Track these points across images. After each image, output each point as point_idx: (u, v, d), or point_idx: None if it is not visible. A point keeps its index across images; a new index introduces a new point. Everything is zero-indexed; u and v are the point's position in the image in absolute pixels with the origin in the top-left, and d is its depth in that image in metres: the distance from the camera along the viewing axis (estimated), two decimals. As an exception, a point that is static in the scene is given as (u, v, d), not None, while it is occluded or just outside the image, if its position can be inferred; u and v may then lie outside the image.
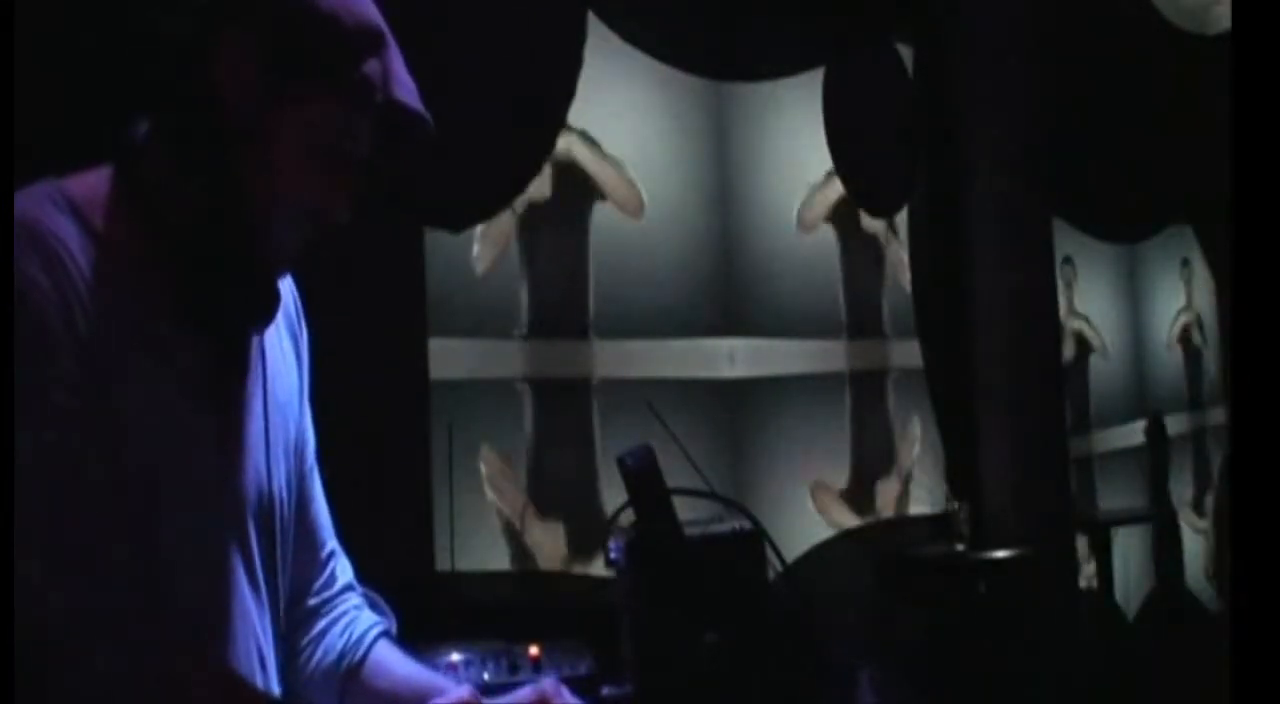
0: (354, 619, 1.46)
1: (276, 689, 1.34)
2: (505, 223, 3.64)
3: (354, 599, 1.49)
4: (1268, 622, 1.22)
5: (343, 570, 1.50)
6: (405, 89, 1.29)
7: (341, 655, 1.42)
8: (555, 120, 3.69)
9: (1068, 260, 5.97)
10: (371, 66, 1.26)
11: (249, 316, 1.31)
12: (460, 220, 3.49)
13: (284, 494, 1.37)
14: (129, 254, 1.22)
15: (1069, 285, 6.01)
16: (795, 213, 4.57)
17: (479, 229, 3.56)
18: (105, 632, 1.13)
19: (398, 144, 1.33)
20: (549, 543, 3.67)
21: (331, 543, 1.49)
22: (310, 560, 1.45)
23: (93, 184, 1.25)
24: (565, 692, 1.38)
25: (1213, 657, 2.10)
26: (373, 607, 1.50)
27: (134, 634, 1.15)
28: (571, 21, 3.71)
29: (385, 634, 1.47)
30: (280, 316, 1.35)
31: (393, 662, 1.44)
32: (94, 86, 2.19)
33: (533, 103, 3.59)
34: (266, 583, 1.32)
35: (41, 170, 1.25)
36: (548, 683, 1.38)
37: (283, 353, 1.40)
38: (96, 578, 1.14)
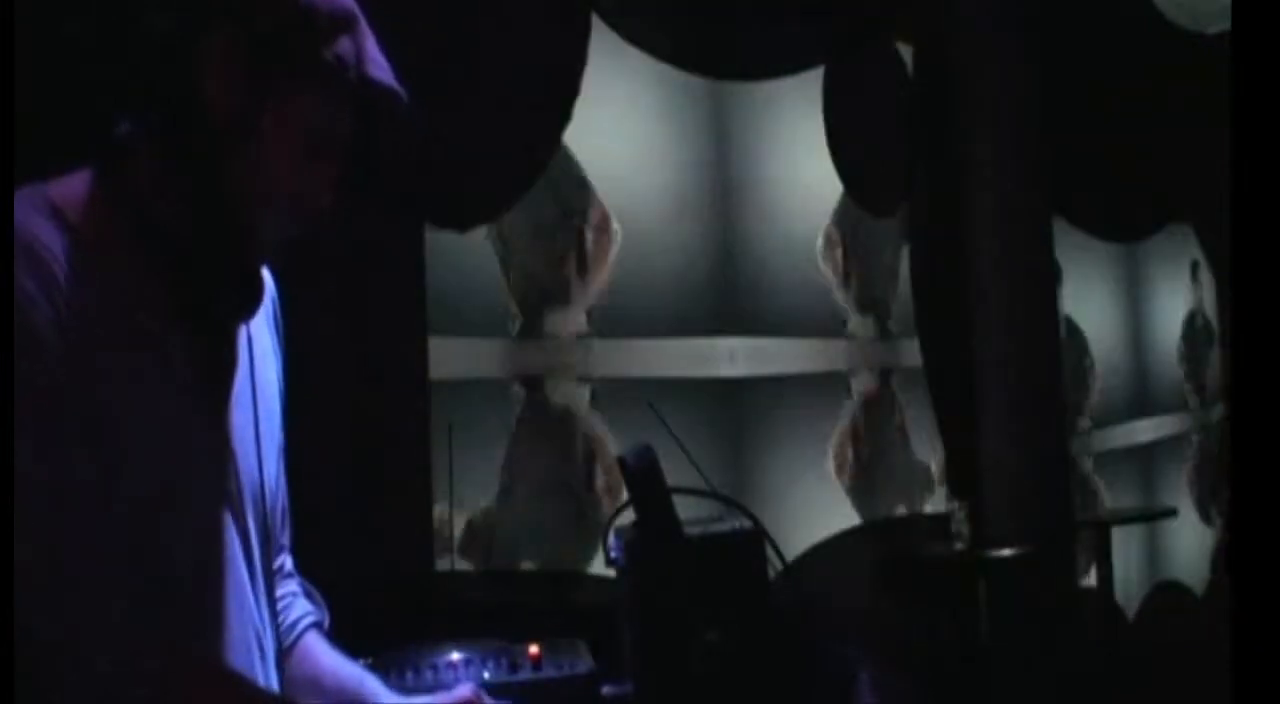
0: (289, 605, 1.49)
1: (275, 676, 1.36)
2: (506, 221, 3.64)
3: (292, 586, 1.52)
4: (1269, 622, 1.22)
5: (286, 558, 1.53)
6: (378, 66, 1.29)
7: (278, 634, 1.44)
8: (558, 120, 3.69)
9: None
10: (344, 46, 1.26)
11: (236, 308, 1.31)
12: (463, 220, 3.49)
13: (274, 484, 1.38)
14: (114, 253, 1.22)
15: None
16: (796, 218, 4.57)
17: (481, 229, 3.56)
18: (105, 630, 1.13)
19: (374, 123, 1.33)
20: (548, 542, 3.67)
21: (287, 535, 1.52)
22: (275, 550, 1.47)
23: (75, 186, 1.25)
24: (486, 697, 1.43)
25: (1213, 656, 2.10)
26: (308, 596, 1.53)
27: (134, 632, 1.15)
28: (575, 20, 3.71)
29: (316, 625, 1.50)
30: (263, 309, 1.36)
31: (319, 651, 1.48)
32: (75, 88, 2.19)
33: (535, 102, 3.59)
34: (263, 572, 1.34)
35: (25, 173, 1.25)
36: (467, 689, 1.45)
37: (266, 350, 1.41)
38: (95, 576, 1.14)
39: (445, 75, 3.13)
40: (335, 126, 1.29)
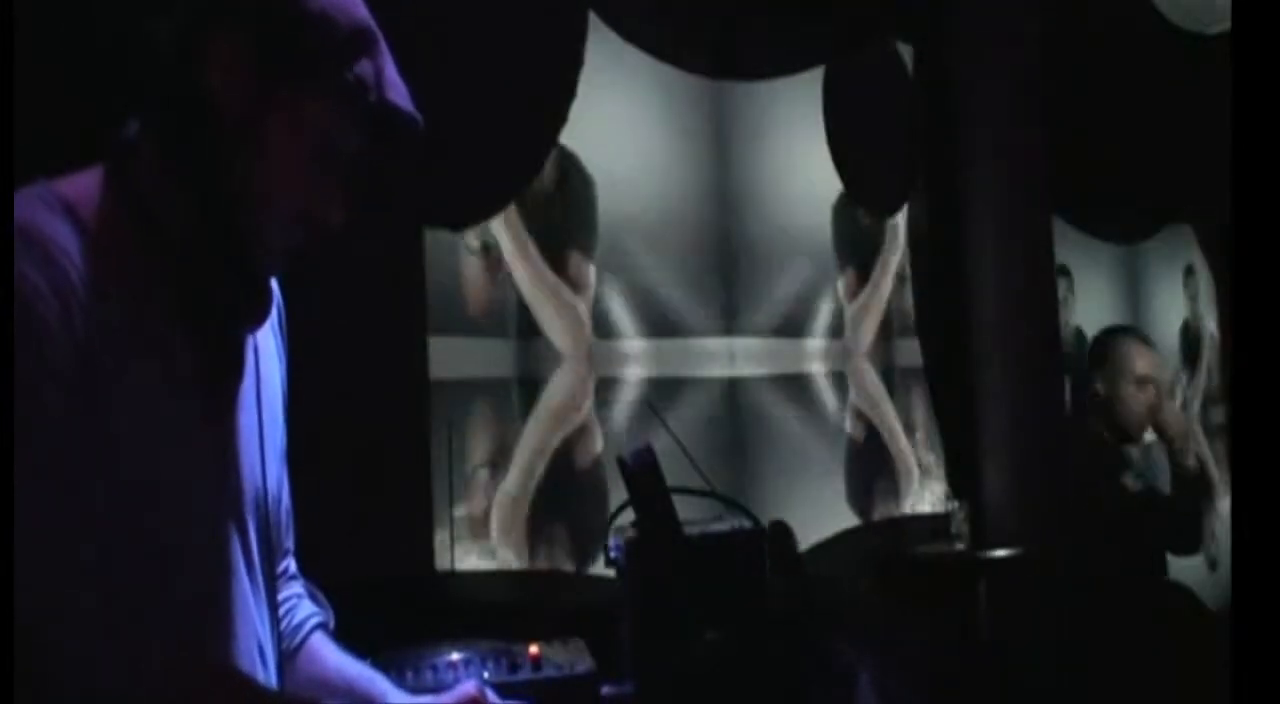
0: (294, 606, 1.50)
1: (276, 682, 1.36)
2: (506, 221, 3.64)
3: (296, 587, 1.53)
4: (1269, 622, 1.22)
5: (290, 561, 1.54)
6: (396, 90, 1.29)
7: (279, 639, 1.44)
8: (556, 119, 3.69)
9: (1064, 270, 5.95)
10: (364, 67, 1.26)
11: (243, 317, 1.31)
12: (460, 220, 3.49)
13: (276, 491, 1.38)
14: (123, 254, 1.22)
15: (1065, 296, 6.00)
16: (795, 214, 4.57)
17: (480, 228, 3.56)
18: (107, 630, 1.13)
19: (389, 145, 1.33)
20: (549, 542, 3.67)
21: (290, 538, 1.52)
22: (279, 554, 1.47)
23: (85, 185, 1.25)
24: (490, 693, 1.43)
25: (1213, 657, 2.10)
26: (312, 598, 1.54)
27: (136, 633, 1.15)
28: (572, 19, 3.71)
29: (322, 625, 1.51)
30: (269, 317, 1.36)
31: (327, 652, 1.49)
32: (85, 88, 2.19)
33: (533, 101, 3.59)
34: (264, 578, 1.34)
35: (34, 171, 1.25)
36: (471, 685, 1.45)
37: (271, 353, 1.41)
38: (97, 576, 1.14)
39: (441, 73, 3.13)
40: (346, 142, 1.29)
